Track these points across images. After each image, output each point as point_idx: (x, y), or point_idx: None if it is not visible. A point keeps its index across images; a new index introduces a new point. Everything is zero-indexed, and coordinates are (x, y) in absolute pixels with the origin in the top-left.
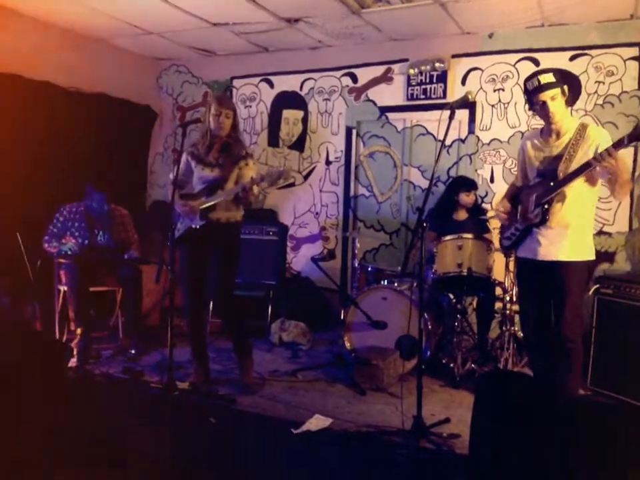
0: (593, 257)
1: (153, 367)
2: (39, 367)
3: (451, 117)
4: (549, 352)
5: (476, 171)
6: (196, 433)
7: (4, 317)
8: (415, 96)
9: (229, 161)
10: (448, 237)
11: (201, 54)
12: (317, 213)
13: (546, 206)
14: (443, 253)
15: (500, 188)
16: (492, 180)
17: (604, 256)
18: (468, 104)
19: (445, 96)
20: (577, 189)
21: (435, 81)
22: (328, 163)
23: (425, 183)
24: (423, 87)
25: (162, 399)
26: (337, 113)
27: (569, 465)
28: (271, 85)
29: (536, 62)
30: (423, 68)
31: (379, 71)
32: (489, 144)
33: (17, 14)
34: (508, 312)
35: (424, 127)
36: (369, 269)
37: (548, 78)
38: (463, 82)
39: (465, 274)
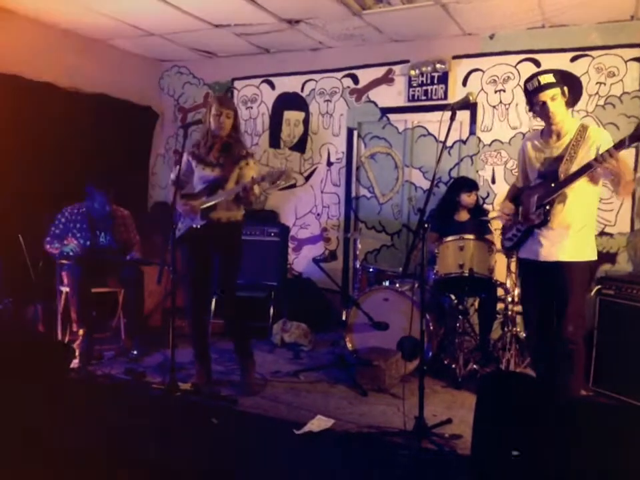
0: (594, 258)
1: (155, 367)
2: (41, 368)
3: (452, 118)
4: (551, 353)
5: (477, 172)
6: (198, 433)
7: (6, 318)
8: (416, 97)
9: (229, 160)
10: (449, 238)
11: (202, 55)
12: (318, 214)
13: (547, 207)
14: (445, 253)
15: (501, 189)
16: (493, 181)
17: (606, 257)
18: (469, 105)
19: (446, 97)
20: (578, 190)
21: (436, 82)
22: (329, 164)
23: (426, 184)
24: (424, 88)
25: (164, 399)
26: (338, 114)
27: (570, 465)
28: (272, 86)
29: (537, 63)
30: (423, 69)
31: (380, 72)
32: (490, 145)
33: (18, 15)
34: (510, 313)
35: (425, 128)
36: (371, 269)
37: (548, 78)
38: (464, 83)
39: (467, 275)
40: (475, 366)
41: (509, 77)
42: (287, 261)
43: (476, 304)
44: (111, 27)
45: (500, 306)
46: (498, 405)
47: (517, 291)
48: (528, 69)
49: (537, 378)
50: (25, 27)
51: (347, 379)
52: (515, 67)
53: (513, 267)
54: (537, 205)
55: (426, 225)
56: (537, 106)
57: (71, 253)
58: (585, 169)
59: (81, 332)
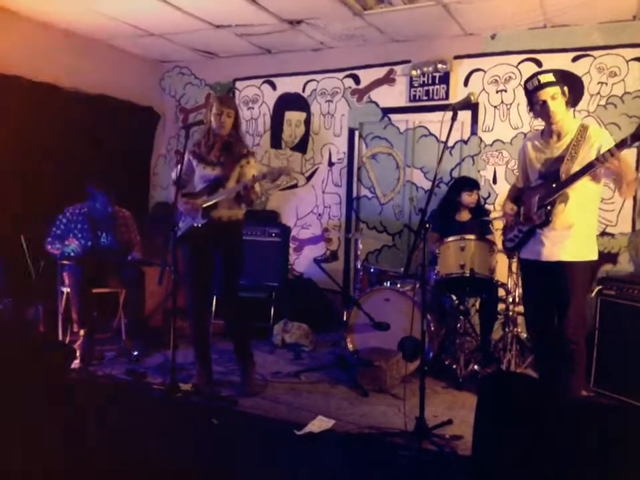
0: (596, 257)
1: (156, 368)
2: (41, 368)
3: (454, 118)
4: (552, 353)
5: (478, 172)
6: (198, 434)
7: (7, 318)
8: (417, 97)
9: (230, 159)
10: (450, 238)
11: (204, 56)
12: (319, 215)
13: (549, 207)
14: (446, 254)
15: (502, 189)
16: (494, 181)
17: (607, 257)
18: (470, 105)
19: (447, 97)
20: (579, 190)
21: (437, 82)
22: (330, 164)
23: (427, 184)
24: (426, 88)
25: (164, 400)
26: (340, 114)
27: (571, 466)
28: (274, 86)
29: (538, 63)
30: (425, 69)
31: (381, 72)
32: (491, 145)
33: (19, 16)
34: (511, 313)
35: (426, 128)
36: (372, 270)
37: (548, 77)
38: (466, 83)
39: (468, 275)
40: (475, 366)
41: (510, 77)
42: (287, 261)
43: (477, 304)
44: (111, 27)
45: (501, 306)
46: (499, 406)
47: (518, 292)
48: (529, 69)
49: (539, 378)
50: (25, 28)
51: (347, 379)
52: (517, 67)
53: (514, 267)
54: (539, 205)
55: (427, 225)
56: (537, 105)
57: (72, 254)
58: (587, 169)
59: (81, 332)
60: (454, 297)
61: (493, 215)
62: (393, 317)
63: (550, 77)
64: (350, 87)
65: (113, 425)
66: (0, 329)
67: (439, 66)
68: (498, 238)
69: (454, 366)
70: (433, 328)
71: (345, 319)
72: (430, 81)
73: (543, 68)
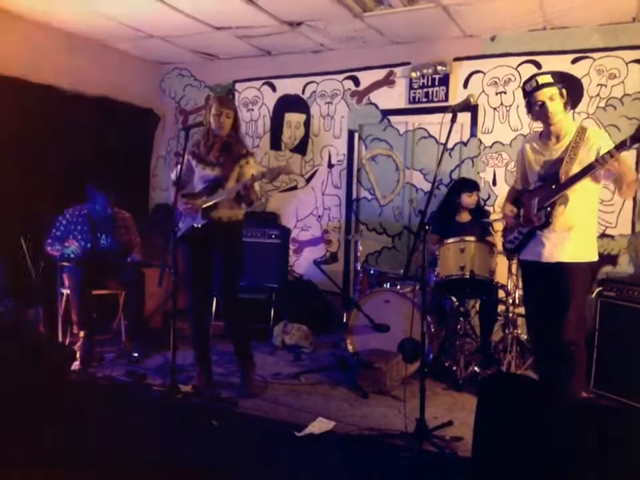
0: (596, 258)
1: (156, 369)
2: (41, 370)
3: (453, 120)
4: (552, 354)
5: (478, 173)
6: (198, 435)
7: (7, 319)
8: (417, 99)
9: (229, 159)
10: (450, 240)
11: (204, 57)
12: (319, 216)
13: (549, 209)
14: (446, 255)
15: (502, 191)
16: (494, 183)
17: (607, 258)
18: (470, 107)
19: (447, 99)
20: (579, 191)
21: (437, 84)
22: (330, 166)
23: (427, 186)
24: (425, 90)
25: (164, 401)
26: (339, 116)
27: (572, 468)
28: (274, 88)
29: (538, 65)
30: (424, 71)
31: (381, 74)
32: (490, 147)
33: (20, 17)
34: (511, 315)
35: (426, 130)
36: (372, 271)
37: (546, 78)
38: (465, 85)
39: (468, 277)
40: (475, 368)
41: (509, 79)
42: (287, 263)
43: (477, 306)
44: (112, 29)
45: (501, 308)
46: (499, 407)
47: (517, 293)
48: (529, 71)
49: (539, 380)
50: (27, 30)
51: (347, 381)
52: (516, 68)
53: (514, 268)
54: (538, 207)
55: (427, 227)
56: (535, 106)
57: (72, 255)
58: (587, 171)
59: (81, 334)
60: (454, 299)
61: (493, 217)
62: (393, 318)
63: (548, 78)
64: (350, 89)
65: (113, 427)
66: (0, 330)
67: (439, 68)
68: (498, 239)
69: (454, 367)
70: (432, 329)
71: (344, 320)
72: (429, 83)
73: (543, 70)
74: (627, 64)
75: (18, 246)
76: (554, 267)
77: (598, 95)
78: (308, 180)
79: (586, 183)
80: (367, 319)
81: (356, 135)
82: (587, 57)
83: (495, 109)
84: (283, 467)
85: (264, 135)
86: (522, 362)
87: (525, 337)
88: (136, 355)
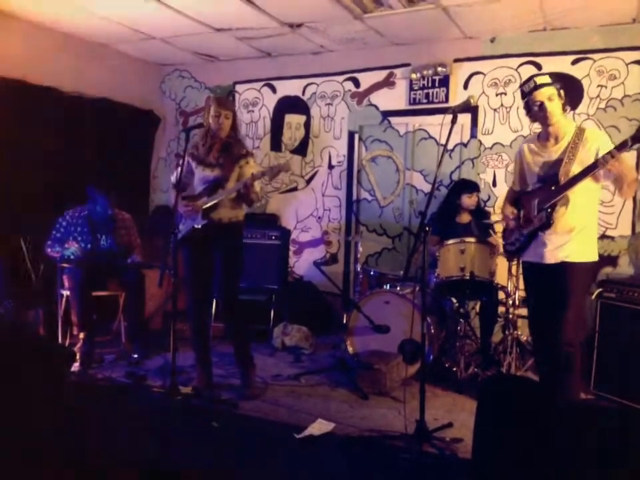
0: (596, 259)
1: (156, 371)
2: (41, 371)
3: (453, 121)
4: (550, 355)
5: (478, 174)
6: (198, 437)
7: (7, 321)
8: (417, 100)
9: (229, 160)
10: (450, 241)
11: (204, 59)
12: (319, 217)
13: (549, 210)
14: (446, 256)
15: (502, 192)
16: (494, 184)
17: (607, 260)
18: (470, 108)
19: (447, 100)
20: (579, 192)
21: (437, 85)
22: (330, 167)
23: (427, 187)
24: (425, 91)
25: (164, 403)
26: (340, 117)
27: (572, 469)
28: (274, 89)
29: (538, 66)
30: (425, 72)
31: (381, 75)
32: (491, 148)
33: (21, 19)
34: (511, 316)
35: (426, 131)
36: (372, 273)
37: (544, 79)
38: (465, 86)
39: (468, 278)
40: (475, 369)
41: (510, 80)
42: (287, 264)
43: (477, 307)
44: (112, 30)
45: (501, 309)
46: (499, 409)
47: (518, 294)
48: (529, 72)
49: (539, 381)
50: (27, 32)
51: (347, 382)
52: (516, 69)
53: (514, 270)
54: (538, 208)
55: (427, 228)
56: (534, 106)
57: (72, 257)
58: (587, 172)
59: (81, 335)
60: (454, 300)
61: (493, 219)
62: (393, 319)
63: (546, 79)
64: (350, 90)
65: (113, 428)
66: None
67: (439, 69)
68: (498, 240)
69: (454, 369)
70: (433, 331)
71: (344, 321)
72: (430, 84)
73: (543, 71)
74: (627, 65)
75: (18, 247)
76: (555, 268)
77: (598, 96)
78: (308, 181)
79: (586, 183)
80: (367, 320)
81: (356, 136)
82: (587, 58)
83: (495, 110)
84: (283, 468)
85: (264, 136)
86: (522, 363)
87: (525, 338)
88: (136, 356)
